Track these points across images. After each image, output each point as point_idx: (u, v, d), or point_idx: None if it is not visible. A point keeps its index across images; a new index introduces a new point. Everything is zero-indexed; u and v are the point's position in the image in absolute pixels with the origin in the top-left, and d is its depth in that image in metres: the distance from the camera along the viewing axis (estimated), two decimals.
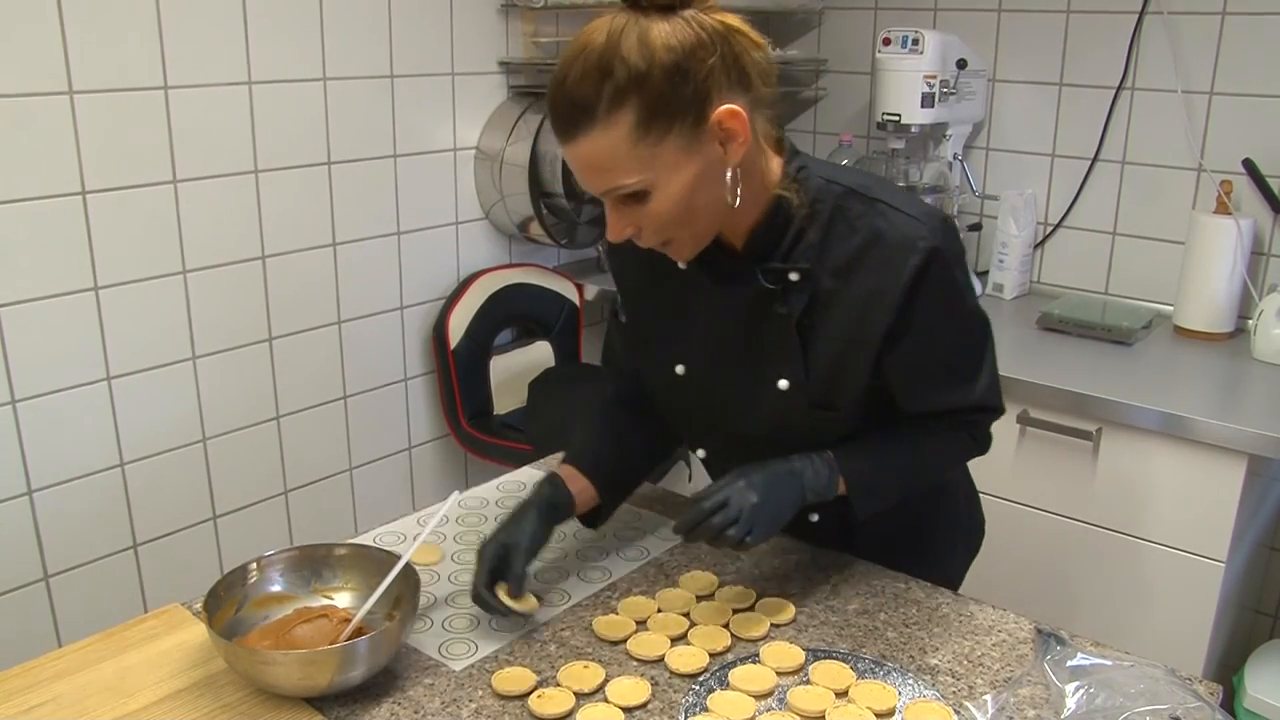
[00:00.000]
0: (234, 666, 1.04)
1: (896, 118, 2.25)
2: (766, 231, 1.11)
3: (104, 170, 1.72)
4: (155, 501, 1.90)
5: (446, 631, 1.16)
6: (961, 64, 2.24)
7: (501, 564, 1.15)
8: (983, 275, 2.43)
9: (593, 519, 1.30)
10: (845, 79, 2.63)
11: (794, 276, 1.11)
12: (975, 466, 1.92)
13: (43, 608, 1.78)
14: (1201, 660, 1.79)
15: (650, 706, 1.03)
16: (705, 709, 1.01)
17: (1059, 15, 2.28)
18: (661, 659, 1.10)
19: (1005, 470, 1.93)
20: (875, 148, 2.54)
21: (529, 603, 1.16)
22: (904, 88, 2.22)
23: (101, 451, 1.81)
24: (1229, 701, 1.95)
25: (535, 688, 1.04)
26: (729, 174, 1.04)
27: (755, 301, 1.13)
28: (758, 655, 1.09)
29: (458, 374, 2.29)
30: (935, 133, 2.34)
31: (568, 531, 1.37)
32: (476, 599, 1.14)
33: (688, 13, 0.99)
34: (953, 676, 1.08)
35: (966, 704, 1.02)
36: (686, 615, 1.17)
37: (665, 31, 0.98)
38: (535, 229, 2.32)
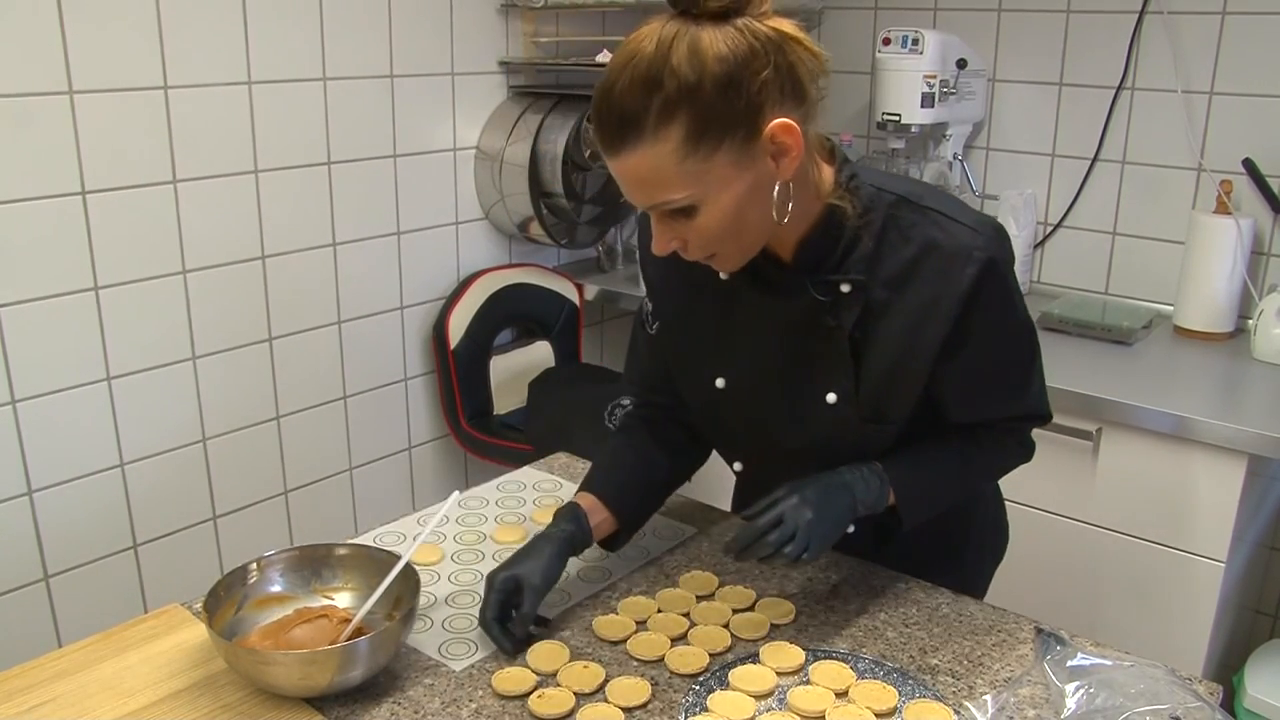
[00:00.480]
0: (234, 666, 1.04)
1: (896, 118, 2.25)
2: (818, 242, 1.08)
3: (104, 170, 1.72)
4: (155, 502, 1.90)
5: (446, 631, 1.16)
6: (961, 64, 2.24)
7: (511, 598, 1.12)
8: None
9: (610, 543, 1.27)
10: (845, 79, 2.63)
11: (845, 288, 1.08)
12: None
13: (43, 608, 1.78)
14: (1201, 660, 1.79)
15: (650, 706, 1.03)
16: (705, 709, 1.01)
17: (1059, 15, 2.28)
18: (661, 659, 1.10)
19: None
20: (875, 148, 2.54)
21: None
22: (904, 88, 2.22)
23: (101, 452, 1.81)
24: (1229, 701, 1.95)
25: (535, 688, 1.04)
26: (779, 188, 1.00)
27: (804, 313, 1.10)
28: (758, 655, 1.09)
29: (458, 374, 2.29)
30: (935, 133, 2.34)
31: None
32: (483, 626, 1.12)
33: (741, 21, 0.95)
34: (953, 676, 1.08)
35: (966, 704, 1.02)
36: (686, 615, 1.17)
37: (717, 40, 0.93)
38: (535, 229, 2.32)
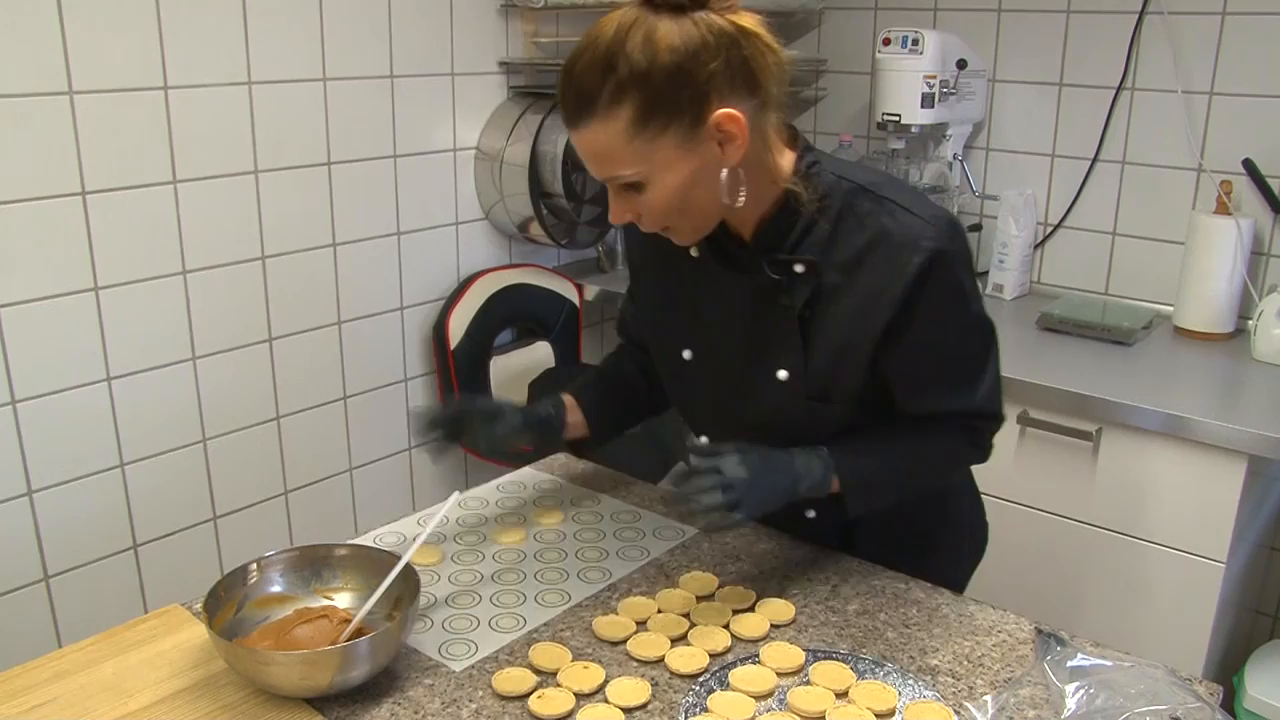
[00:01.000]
0: (234, 667, 1.04)
1: (896, 118, 2.25)
2: (774, 224, 1.14)
3: (104, 170, 1.72)
4: (155, 501, 1.90)
5: (446, 632, 1.16)
6: (961, 64, 2.24)
7: (487, 417, 1.27)
8: (983, 275, 2.43)
9: (576, 448, 1.43)
10: (845, 79, 2.63)
11: (799, 269, 1.13)
12: (976, 467, 1.92)
13: (43, 608, 1.78)
14: (1201, 660, 1.79)
15: (650, 707, 1.03)
16: (705, 709, 1.01)
17: (1059, 15, 2.28)
18: (661, 659, 1.10)
19: (1005, 470, 1.93)
20: (875, 148, 2.54)
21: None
22: (904, 88, 2.22)
23: (101, 451, 1.81)
24: (1229, 702, 1.95)
25: (535, 688, 1.04)
26: (726, 173, 1.06)
27: (760, 291, 1.15)
28: (758, 655, 1.09)
29: (458, 374, 2.29)
30: (935, 133, 2.34)
31: (568, 532, 1.37)
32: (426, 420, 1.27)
33: (699, 14, 1.01)
34: (953, 677, 1.08)
35: (966, 704, 1.02)
36: (686, 616, 1.17)
37: (672, 32, 1.00)
38: (535, 229, 2.32)
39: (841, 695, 1.04)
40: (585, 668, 1.07)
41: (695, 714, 1.01)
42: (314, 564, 1.16)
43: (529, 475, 1.56)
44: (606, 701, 1.03)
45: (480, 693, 1.05)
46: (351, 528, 2.20)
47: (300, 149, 1.99)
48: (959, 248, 1.11)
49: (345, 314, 2.14)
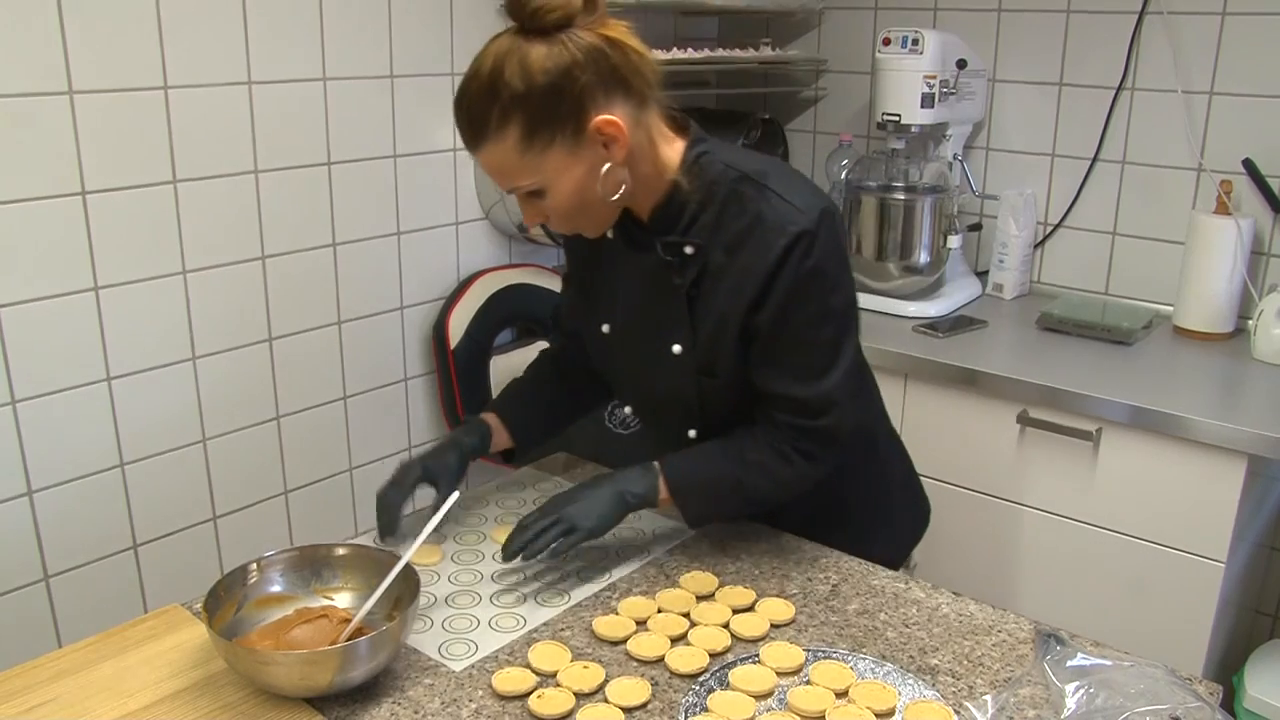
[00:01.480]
0: (234, 667, 1.04)
1: (896, 118, 2.24)
2: (665, 210, 1.23)
3: (104, 170, 1.72)
4: (155, 501, 1.89)
5: (446, 631, 1.16)
6: (961, 64, 2.24)
7: (419, 483, 1.35)
8: (983, 275, 2.43)
9: (507, 455, 1.48)
10: (845, 79, 2.63)
11: (689, 250, 1.22)
12: (973, 465, 1.92)
13: (43, 608, 1.78)
14: (1201, 660, 1.79)
15: (650, 707, 1.03)
16: (705, 709, 1.01)
17: (1059, 15, 2.28)
18: (661, 659, 1.10)
19: (1005, 470, 1.93)
20: (875, 148, 2.54)
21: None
22: (904, 88, 2.22)
23: (101, 451, 1.81)
24: (1229, 701, 1.95)
25: (535, 688, 1.04)
26: (606, 169, 1.15)
27: (656, 271, 1.25)
28: (758, 655, 1.09)
29: (458, 374, 2.29)
30: (935, 133, 2.34)
31: None
32: (383, 504, 1.34)
33: (565, 34, 1.10)
34: (953, 676, 1.08)
35: (966, 704, 1.02)
36: (686, 615, 1.18)
37: (543, 55, 1.09)
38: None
39: (841, 695, 1.04)
40: (585, 667, 1.07)
41: (695, 714, 1.01)
42: (314, 564, 1.17)
43: (529, 475, 1.56)
44: (606, 701, 1.03)
45: (480, 693, 1.05)
46: (351, 527, 2.20)
47: (300, 149, 1.99)
48: (826, 234, 1.18)
49: (345, 314, 2.14)
